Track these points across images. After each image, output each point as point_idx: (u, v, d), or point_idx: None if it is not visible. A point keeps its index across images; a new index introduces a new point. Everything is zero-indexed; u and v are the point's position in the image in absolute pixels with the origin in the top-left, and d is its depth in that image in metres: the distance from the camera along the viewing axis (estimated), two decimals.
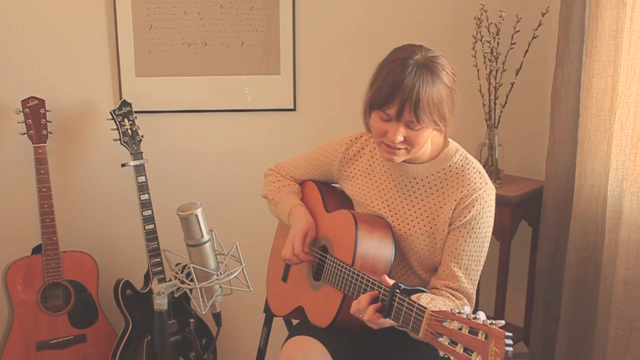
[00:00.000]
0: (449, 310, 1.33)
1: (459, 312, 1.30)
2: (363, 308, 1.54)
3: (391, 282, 1.52)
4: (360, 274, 1.63)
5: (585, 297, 2.30)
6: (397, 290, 1.49)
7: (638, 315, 2.08)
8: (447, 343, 1.30)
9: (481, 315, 1.28)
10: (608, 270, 2.16)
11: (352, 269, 1.66)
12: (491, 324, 1.25)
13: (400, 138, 1.61)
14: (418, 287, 1.53)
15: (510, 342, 1.21)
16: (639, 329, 2.08)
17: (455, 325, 1.29)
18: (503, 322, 1.25)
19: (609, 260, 2.15)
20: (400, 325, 1.47)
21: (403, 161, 1.72)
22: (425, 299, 1.56)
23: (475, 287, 1.73)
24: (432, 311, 1.36)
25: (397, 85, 1.57)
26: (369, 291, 1.56)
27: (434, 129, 1.63)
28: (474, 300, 1.72)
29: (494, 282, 2.50)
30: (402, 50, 1.63)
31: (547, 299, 2.48)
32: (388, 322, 1.52)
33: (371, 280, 1.58)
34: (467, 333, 1.27)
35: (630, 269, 2.07)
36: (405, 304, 1.45)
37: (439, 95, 1.58)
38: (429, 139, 1.68)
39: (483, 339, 1.23)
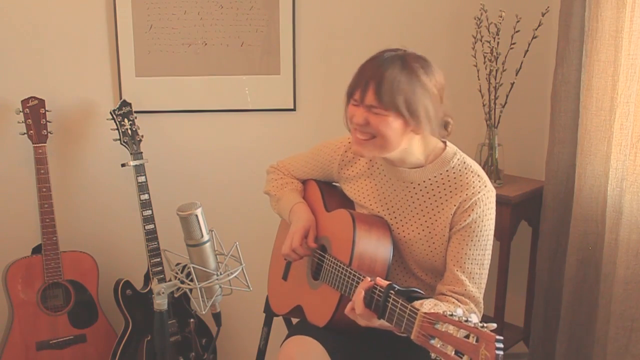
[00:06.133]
0: (442, 312, 1.32)
1: (451, 315, 1.29)
2: (359, 307, 1.53)
3: (385, 283, 1.51)
4: (357, 274, 1.62)
5: (585, 297, 2.30)
6: (392, 291, 1.48)
7: (638, 315, 2.08)
8: (438, 345, 1.29)
9: (473, 318, 1.27)
10: (608, 270, 2.16)
11: (349, 269, 1.66)
12: (482, 327, 1.24)
13: (361, 120, 1.60)
14: (412, 288, 1.53)
15: (501, 345, 1.20)
16: (639, 329, 2.08)
17: (447, 327, 1.29)
18: (494, 325, 1.25)
19: (609, 260, 2.15)
20: (393, 327, 1.47)
21: (400, 165, 1.71)
22: (428, 305, 1.56)
23: (482, 291, 1.70)
24: (425, 313, 1.35)
25: (366, 68, 1.60)
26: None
27: (403, 124, 1.58)
28: (481, 304, 1.69)
29: (494, 282, 2.50)
30: (388, 48, 1.64)
31: (547, 299, 2.48)
32: (377, 322, 1.52)
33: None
34: (458, 336, 1.26)
35: (630, 268, 2.07)
36: (399, 305, 1.44)
37: (409, 85, 1.55)
38: (409, 141, 1.63)
39: (474, 342, 1.23)
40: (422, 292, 1.55)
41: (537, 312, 2.52)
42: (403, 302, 1.44)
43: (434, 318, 1.32)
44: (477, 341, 1.23)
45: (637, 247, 2.05)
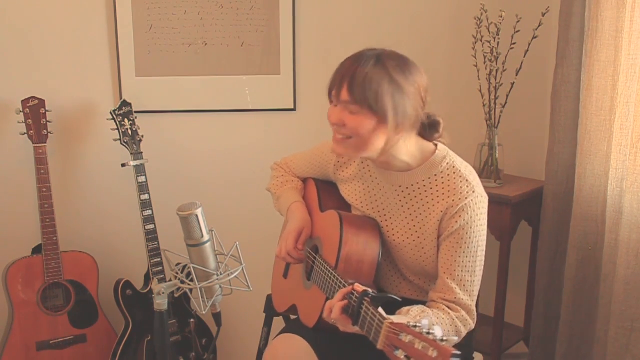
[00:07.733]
0: (406, 322, 1.30)
1: (415, 326, 1.27)
2: (335, 313, 1.50)
3: (362, 289, 1.49)
4: (340, 279, 1.61)
5: (585, 297, 2.30)
6: (366, 298, 1.45)
7: (638, 315, 2.08)
8: (402, 357, 1.27)
9: (436, 331, 1.25)
10: (608, 270, 2.16)
11: (332, 273, 1.65)
12: (442, 340, 1.22)
13: (335, 120, 1.61)
14: (388, 295, 1.50)
15: None
16: (639, 329, 2.08)
17: (410, 339, 1.27)
18: (455, 339, 1.24)
19: (609, 260, 2.15)
20: (365, 334, 1.44)
21: (389, 169, 1.71)
22: (415, 311, 1.54)
23: (474, 298, 1.68)
24: (390, 323, 1.33)
25: (342, 66, 1.61)
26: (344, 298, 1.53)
27: (376, 122, 1.57)
28: (474, 312, 1.67)
29: (494, 282, 2.50)
30: (369, 48, 1.64)
31: (547, 299, 2.48)
32: (354, 328, 1.49)
33: (347, 285, 1.55)
34: (420, 348, 1.24)
35: (631, 268, 2.07)
36: (370, 313, 1.41)
37: (379, 80, 1.56)
38: (388, 142, 1.61)
39: (433, 356, 1.21)
40: (398, 298, 1.52)
41: (537, 312, 2.52)
42: (373, 310, 1.41)
43: (399, 329, 1.30)
44: (436, 355, 1.21)
45: (637, 247, 2.05)
